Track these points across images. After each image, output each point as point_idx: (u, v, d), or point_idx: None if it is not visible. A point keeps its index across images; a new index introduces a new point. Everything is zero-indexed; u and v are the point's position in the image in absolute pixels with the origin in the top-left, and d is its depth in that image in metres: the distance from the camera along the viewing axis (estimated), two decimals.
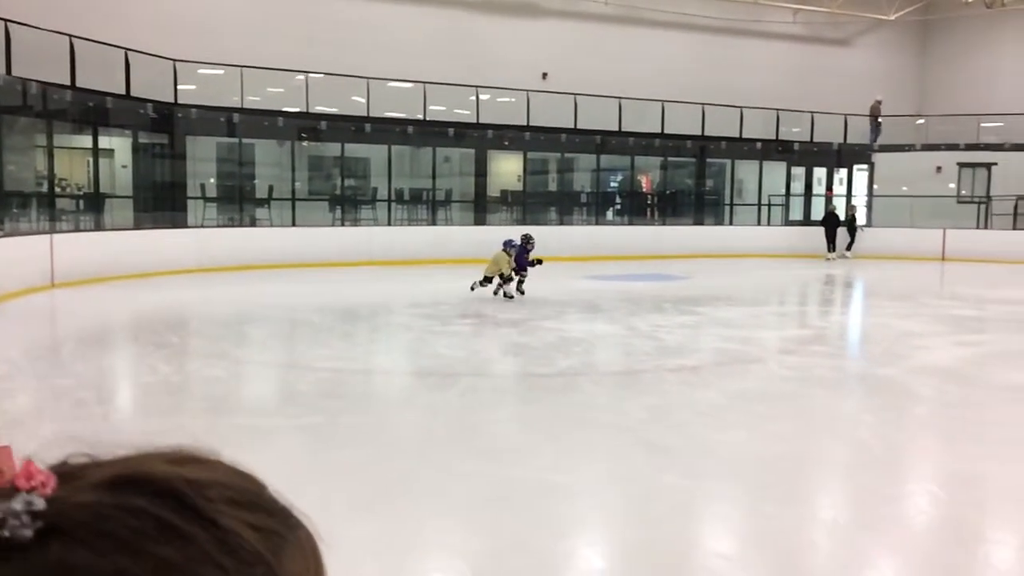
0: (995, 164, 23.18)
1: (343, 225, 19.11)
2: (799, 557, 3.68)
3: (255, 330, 9.96)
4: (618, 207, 23.97)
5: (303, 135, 19.13)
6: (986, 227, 22.33)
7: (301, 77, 18.46)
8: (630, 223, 23.06)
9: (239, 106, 17.77)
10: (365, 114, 19.08)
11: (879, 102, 24.96)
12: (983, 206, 22.66)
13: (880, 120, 24.62)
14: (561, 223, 22.10)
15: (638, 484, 4.56)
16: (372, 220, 19.66)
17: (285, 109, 18.61)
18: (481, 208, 21.23)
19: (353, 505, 4.19)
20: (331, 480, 4.59)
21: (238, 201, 18.63)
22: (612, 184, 24.24)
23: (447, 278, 15.39)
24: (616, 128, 21.79)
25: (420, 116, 19.79)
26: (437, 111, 20.22)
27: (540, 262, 12.38)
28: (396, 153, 20.06)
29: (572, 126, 21.28)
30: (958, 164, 23.62)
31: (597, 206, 23.29)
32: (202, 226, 17.17)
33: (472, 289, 11.71)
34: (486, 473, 4.67)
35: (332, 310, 11.63)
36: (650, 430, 5.60)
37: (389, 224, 19.47)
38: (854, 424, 6.03)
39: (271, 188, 18.88)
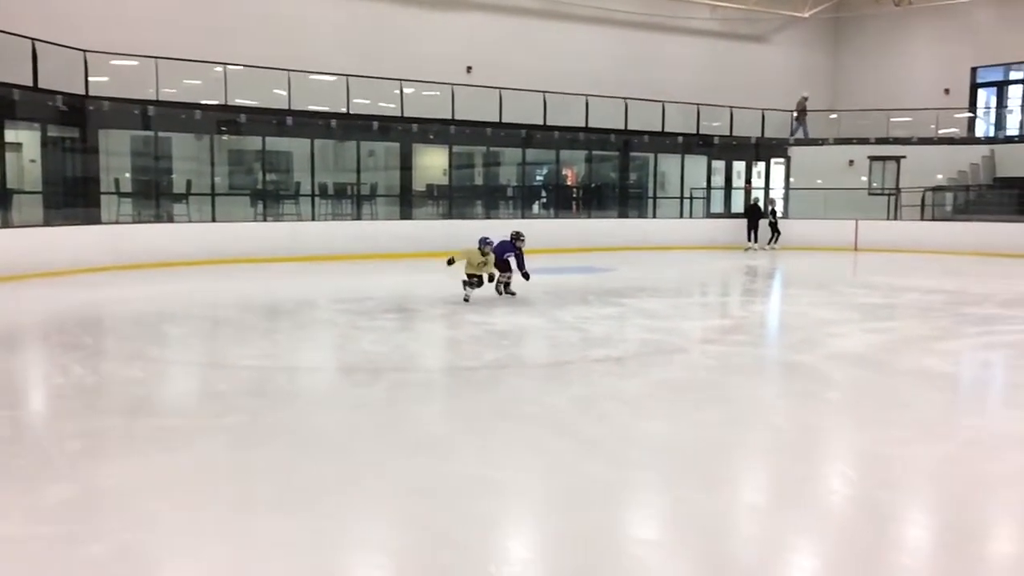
0: (904, 157, 24.11)
1: (265, 220, 18.74)
2: (721, 540, 3.77)
3: (174, 329, 9.70)
4: (544, 200, 24.11)
5: (222, 128, 18.67)
6: (895, 218, 23.20)
7: (219, 69, 18.01)
8: (556, 216, 23.22)
9: (154, 98, 17.25)
10: (287, 107, 18.74)
11: (805, 98, 25.74)
12: (892, 198, 23.54)
13: (807, 115, 25.38)
14: (487, 217, 22.09)
15: (564, 474, 4.61)
16: (295, 215, 19.33)
17: (203, 102, 18.14)
18: (407, 202, 21.08)
19: (276, 503, 4.13)
20: (253, 479, 4.51)
21: (154, 196, 18.09)
22: (538, 178, 24.36)
23: (372, 273, 15.28)
24: (541, 122, 21.92)
25: (344, 109, 19.53)
26: (361, 104, 19.99)
27: (511, 262, 11.45)
28: (319, 147, 19.75)
29: (497, 120, 21.31)
30: (869, 157, 24.49)
31: (523, 199, 23.38)
32: (117, 222, 16.62)
33: (466, 300, 10.83)
34: (412, 468, 4.65)
35: (254, 307, 11.41)
36: (575, 421, 5.66)
37: (313, 219, 19.18)
38: (772, 410, 6.21)
39: (189, 183, 18.40)
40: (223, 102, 18.15)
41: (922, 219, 22.93)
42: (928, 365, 7.65)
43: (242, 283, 13.67)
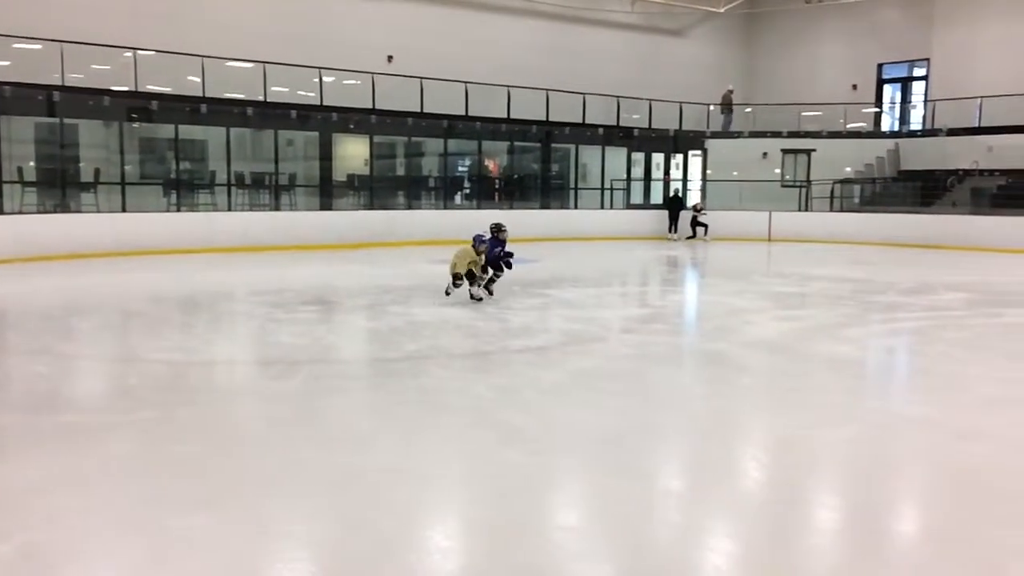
0: (814, 150, 24.89)
1: (179, 210, 18.23)
2: (639, 525, 3.83)
3: (82, 323, 9.36)
4: (466, 191, 24.08)
5: (133, 115, 18.05)
6: (807, 209, 23.96)
7: (129, 54, 17.40)
8: (478, 207, 23.19)
9: (60, 84, 16.55)
10: (201, 94, 18.23)
11: (731, 91, 26.33)
12: (804, 190, 24.30)
13: (733, 107, 25.94)
14: (409, 207, 21.98)
15: (484, 463, 4.63)
16: (211, 205, 18.85)
17: (112, 88, 17.50)
18: (327, 192, 20.78)
19: (190, 499, 4.04)
20: (166, 475, 4.40)
21: (60, 186, 17.39)
22: (460, 168, 24.31)
23: (292, 264, 15.01)
24: (463, 113, 21.86)
25: (261, 97, 19.10)
26: (279, 92, 19.59)
27: (510, 261, 10.42)
28: (235, 136, 19.27)
29: (419, 110, 21.17)
30: (782, 150, 25.22)
31: (445, 190, 23.30)
32: (20, 213, 15.93)
33: (447, 293, 9.99)
34: (331, 460, 4.61)
35: (168, 299, 11.10)
36: (496, 410, 5.69)
37: (229, 209, 18.72)
38: (688, 396, 6.36)
39: (98, 171, 17.73)
40: (133, 88, 17.54)
41: (831, 210, 23.74)
42: (836, 351, 7.93)
43: (154, 275, 13.27)
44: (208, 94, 18.26)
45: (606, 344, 8.14)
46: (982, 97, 23.46)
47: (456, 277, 9.92)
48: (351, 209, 21.06)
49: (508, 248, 10.36)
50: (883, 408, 6.05)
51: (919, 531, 4.00)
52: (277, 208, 19.69)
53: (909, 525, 4.08)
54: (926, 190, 23.39)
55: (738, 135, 25.70)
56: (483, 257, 10.06)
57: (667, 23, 27.98)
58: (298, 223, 18.71)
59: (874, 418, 5.71)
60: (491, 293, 10.39)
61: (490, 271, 10.28)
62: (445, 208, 22.60)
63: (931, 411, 5.91)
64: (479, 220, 21.16)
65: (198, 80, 18.14)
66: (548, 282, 12.69)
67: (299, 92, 20.08)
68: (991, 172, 22.58)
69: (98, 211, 17.08)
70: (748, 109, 26.76)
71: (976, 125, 23.62)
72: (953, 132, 24.06)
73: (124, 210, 17.13)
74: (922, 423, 5.61)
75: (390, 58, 22.24)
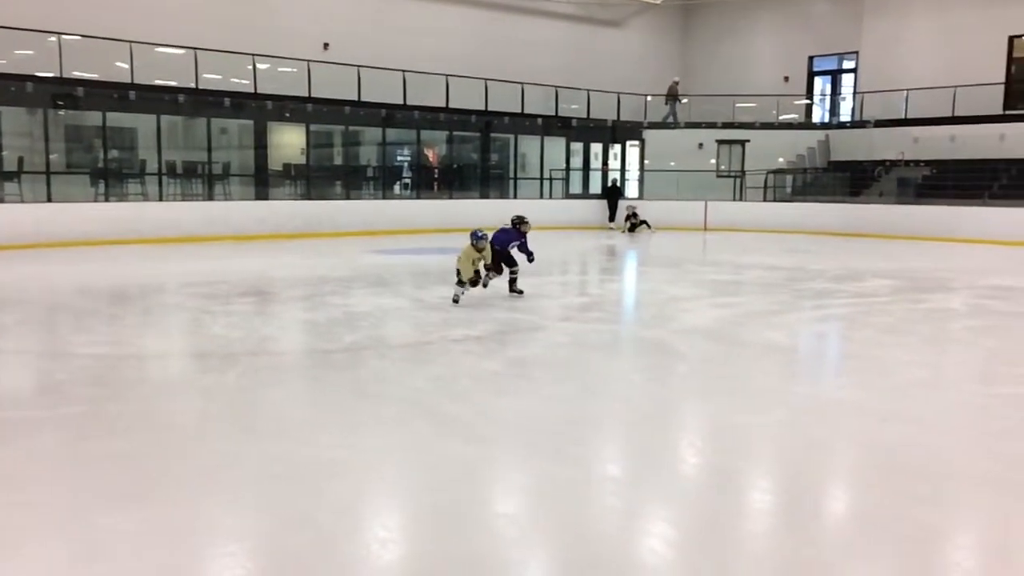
0: (748, 141, 25.37)
1: (107, 200, 17.72)
2: (577, 511, 3.87)
3: (5, 316, 9.03)
4: (405, 181, 23.92)
5: (58, 103, 17.47)
6: (741, 199, 24.42)
7: (53, 39, 16.82)
8: (417, 197, 23.11)
9: None
10: (129, 81, 17.72)
11: (676, 82, 26.63)
12: (738, 180, 24.76)
13: (678, 99, 26.22)
14: (348, 197, 21.76)
15: (422, 453, 4.62)
16: (141, 195, 18.38)
17: (36, 74, 16.89)
18: (262, 182, 20.43)
19: (119, 495, 3.94)
20: (93, 471, 4.29)
21: None
22: (399, 158, 24.13)
23: (226, 255, 14.74)
24: (401, 102, 21.68)
25: (192, 84, 18.65)
26: (211, 80, 19.15)
27: (531, 253, 10.02)
28: (166, 123, 18.80)
29: (356, 99, 20.92)
30: (717, 141, 25.64)
31: (384, 180, 23.12)
32: None
33: (455, 302, 9.21)
34: (266, 453, 4.55)
35: (96, 292, 10.79)
36: (435, 400, 5.68)
37: (160, 199, 18.29)
38: (625, 384, 6.44)
39: (21, 160, 17.10)
40: (58, 74, 16.97)
41: (765, 200, 24.25)
42: (769, 338, 8.11)
43: (82, 267, 12.89)
44: (137, 80, 17.76)
45: (544, 333, 8.19)
46: (908, 90, 24.18)
47: (461, 283, 9.19)
48: (288, 199, 20.75)
49: (523, 242, 9.94)
50: (813, 392, 6.22)
51: (845, 510, 4.12)
52: (211, 198, 19.29)
53: (836, 504, 4.20)
54: (855, 180, 24.06)
55: (675, 126, 26.03)
56: (486, 254, 9.40)
57: (604, 14, 28.15)
58: (232, 213, 18.36)
59: (804, 402, 5.87)
60: (521, 292, 9.80)
61: (504, 269, 9.73)
62: (384, 198, 22.44)
63: (857, 395, 6.09)
64: (419, 210, 21.24)
65: (126, 66, 17.63)
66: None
67: (233, 79, 19.67)
68: (916, 163, 23.32)
69: (22, 201, 16.51)
70: (684, 100, 27.11)
71: (902, 117, 24.36)
72: (880, 124, 24.78)
73: (50, 200, 16.59)
74: (849, 406, 5.77)
75: (326, 45, 21.92)
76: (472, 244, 9.34)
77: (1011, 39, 23.39)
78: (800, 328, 8.94)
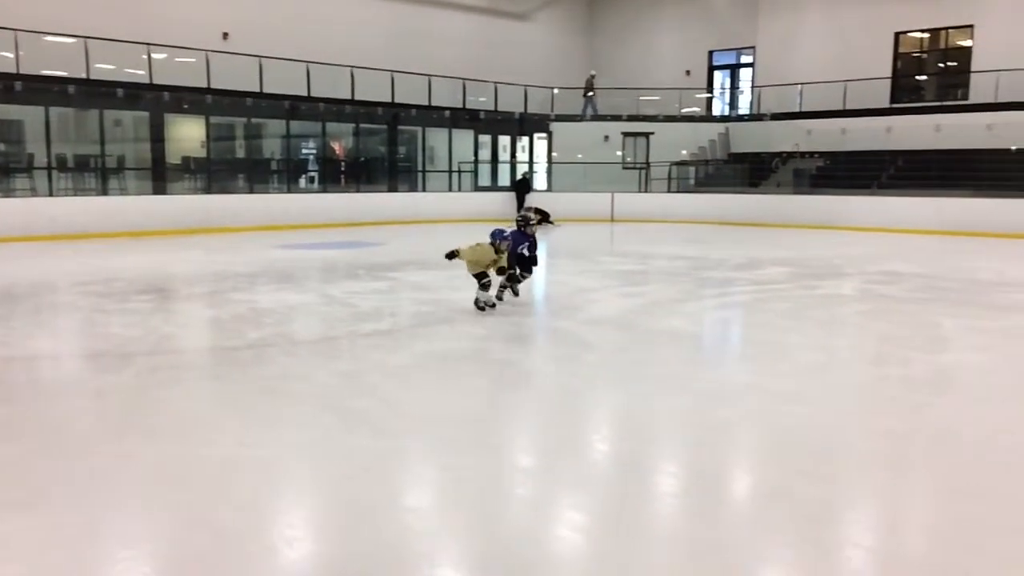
0: (652, 134, 25.88)
1: None
2: (487, 501, 3.88)
3: None
4: (311, 174, 23.50)
5: None
6: (646, 190, 24.90)
7: None
8: (324, 191, 22.73)
9: None
10: (15, 71, 16.85)
11: (593, 76, 26.85)
12: (643, 172, 25.23)
13: (594, 93, 26.45)
14: (251, 191, 21.24)
15: (328, 449, 4.55)
16: (29, 190, 17.51)
17: None
18: (160, 176, 19.71)
19: (8, 502, 3.76)
20: None
21: None
22: (304, 151, 23.68)
23: (123, 252, 14.19)
24: (306, 93, 21.28)
25: (83, 75, 17.87)
26: (104, 70, 18.41)
27: (535, 257, 9.18)
28: (56, 116, 17.99)
29: (258, 90, 20.43)
30: (622, 133, 26.07)
31: (289, 173, 22.66)
32: None
33: (479, 306, 8.47)
34: (165, 454, 4.40)
35: None
36: (342, 395, 5.61)
37: (51, 194, 17.47)
38: (535, 374, 6.49)
39: None
40: None
41: (669, 191, 24.79)
42: (674, 325, 8.30)
43: None
44: (23, 71, 16.93)
45: (454, 326, 8.17)
46: (802, 84, 25.10)
47: (481, 276, 8.36)
48: (187, 193, 20.11)
49: (532, 243, 9.06)
50: (715, 377, 6.40)
51: (747, 489, 4.26)
52: (105, 192, 18.53)
53: (738, 485, 4.33)
54: (754, 171, 24.85)
55: (580, 118, 26.32)
56: (503, 256, 8.45)
57: (511, 7, 28.22)
58: (129, 208, 17.69)
59: (708, 387, 6.02)
60: (516, 294, 9.10)
61: (517, 270, 8.97)
62: (289, 192, 22.00)
63: (757, 378, 6.30)
64: (325, 204, 20.89)
65: (11, 56, 16.76)
66: (396, 265, 12.59)
67: (127, 70, 18.96)
68: (811, 154, 24.24)
69: None
70: (591, 93, 27.43)
71: (797, 110, 25.27)
72: (776, 117, 25.65)
73: None
74: (749, 389, 5.96)
75: (225, 35, 21.32)
76: (492, 243, 8.33)
77: (897, 35, 24.53)
78: (703, 315, 9.18)
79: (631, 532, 3.57)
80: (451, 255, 8.34)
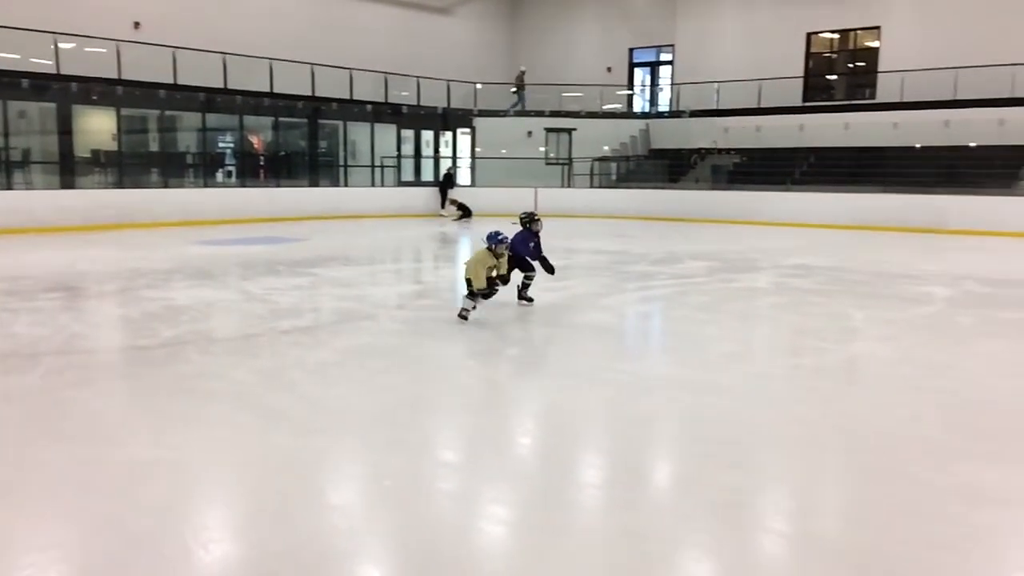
0: (575, 130, 26.11)
1: None
2: (410, 498, 3.85)
3: None
4: (228, 168, 22.95)
5: None
6: (569, 186, 25.12)
7: None
8: (242, 185, 22.23)
9: None
10: None
11: (523, 71, 26.84)
12: (566, 167, 25.44)
13: (524, 88, 26.44)
14: (166, 185, 20.65)
15: (245, 448, 4.46)
16: None
17: None
18: (68, 170, 18.99)
19: None
20: None
21: None
22: (221, 144, 23.11)
23: (29, 249, 13.63)
24: (222, 85, 20.76)
25: None
26: (8, 60, 17.63)
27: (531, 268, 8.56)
28: None
29: (172, 82, 19.85)
30: (545, 129, 26.22)
31: (205, 167, 22.08)
32: None
33: (463, 318, 7.85)
34: (74, 457, 4.25)
35: None
36: (260, 393, 5.50)
37: None
38: (458, 369, 6.48)
39: None
40: None
41: (591, 186, 25.05)
42: (596, 319, 8.39)
43: None
44: None
45: (376, 321, 8.10)
46: (719, 82, 25.66)
47: (473, 295, 7.85)
48: (98, 187, 19.42)
49: (536, 245, 8.49)
50: (636, 369, 6.50)
51: (665, 479, 4.34)
52: (9, 187, 17.75)
53: (657, 474, 4.41)
54: (673, 167, 25.32)
55: (504, 114, 26.38)
56: (503, 260, 7.98)
57: (434, 0, 28.06)
58: (35, 203, 16.98)
59: (628, 379, 6.12)
60: (530, 300, 8.56)
61: (521, 274, 8.51)
62: (205, 186, 21.45)
63: (676, 370, 6.43)
64: (244, 198, 20.43)
65: None
66: (317, 261, 12.41)
67: (32, 59, 18.18)
68: (728, 151, 24.82)
69: None
70: (513, 89, 27.51)
71: (715, 108, 25.83)
72: (695, 114, 26.18)
73: None
74: (668, 380, 6.08)
75: (137, 24, 20.66)
76: (488, 248, 7.88)
77: (808, 36, 25.30)
78: (625, 309, 9.30)
79: (552, 524, 3.59)
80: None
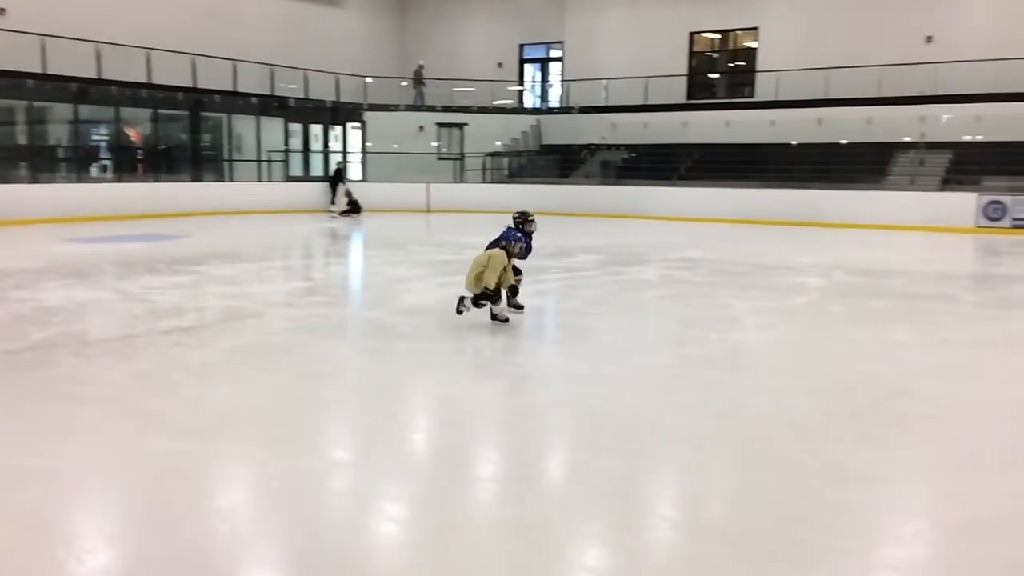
0: (466, 125, 26.11)
1: None
2: (300, 498, 3.76)
3: None
4: (103, 163, 21.87)
5: None
6: (461, 181, 25.10)
7: None
8: (119, 180, 21.23)
9: None
10: None
11: (422, 66, 26.52)
12: (458, 162, 25.42)
13: (423, 82, 26.10)
14: (35, 181, 19.51)
15: (120, 454, 4.26)
16: None
17: None
18: None
19: None
20: None
21: None
22: (95, 137, 22.00)
23: None
24: (96, 75, 19.78)
25: None
26: None
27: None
28: None
29: (41, 71, 18.78)
30: (437, 124, 26.11)
31: (78, 161, 20.98)
32: None
33: (460, 312, 7.44)
34: None
35: None
36: (138, 396, 5.27)
37: None
38: (347, 366, 6.38)
39: None
40: None
41: (484, 181, 25.10)
42: (488, 313, 8.40)
43: None
44: None
45: (263, 320, 7.89)
46: (607, 79, 26.14)
47: (482, 296, 7.29)
48: None
49: (528, 247, 8.11)
50: (527, 362, 6.56)
51: (556, 469, 4.40)
52: None
53: (548, 465, 4.46)
54: (564, 163, 25.66)
55: (395, 108, 26.13)
56: (514, 261, 7.56)
57: None
58: None
59: (520, 371, 6.18)
60: (521, 308, 7.75)
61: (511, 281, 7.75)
62: (79, 181, 20.39)
63: (566, 362, 6.52)
64: (121, 194, 19.53)
65: None
66: (200, 259, 11.99)
67: None
68: (616, 147, 25.33)
69: None
70: (404, 83, 27.28)
71: (603, 104, 26.30)
72: (584, 110, 26.59)
73: None
74: (558, 372, 6.17)
75: (2, 10, 19.43)
76: (503, 246, 7.47)
77: (692, 35, 26.06)
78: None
79: (445, 519, 3.59)
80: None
